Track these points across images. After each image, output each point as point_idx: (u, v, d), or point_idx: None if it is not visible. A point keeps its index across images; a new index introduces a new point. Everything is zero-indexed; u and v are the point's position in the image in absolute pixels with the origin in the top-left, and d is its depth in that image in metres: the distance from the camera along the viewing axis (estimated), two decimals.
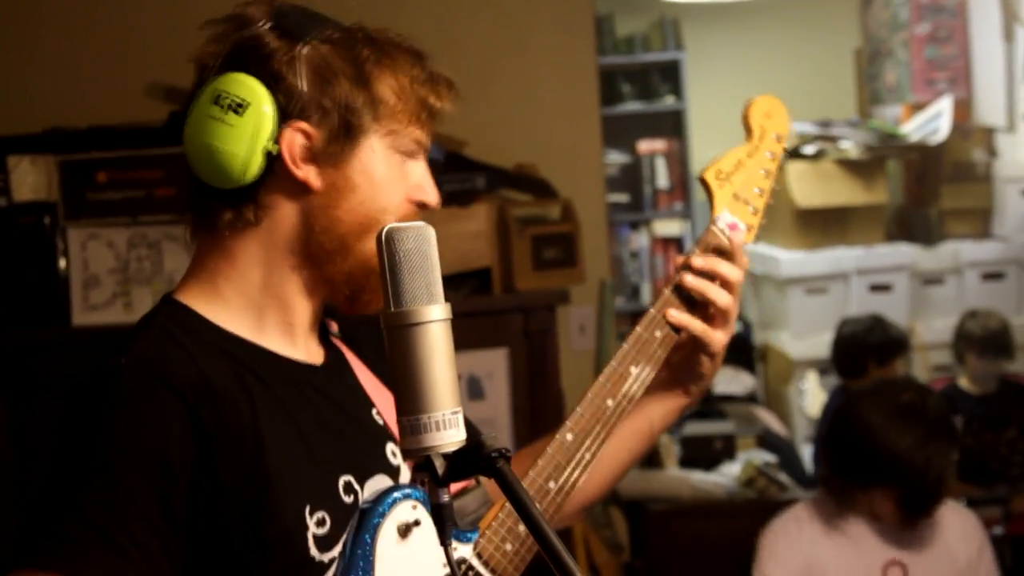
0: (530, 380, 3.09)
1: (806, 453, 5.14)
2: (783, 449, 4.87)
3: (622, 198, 6.50)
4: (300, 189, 1.34)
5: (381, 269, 1.09)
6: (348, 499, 1.33)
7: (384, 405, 1.45)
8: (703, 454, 4.36)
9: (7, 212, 2.85)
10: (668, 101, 6.58)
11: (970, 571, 2.73)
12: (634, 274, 6.50)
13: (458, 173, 3.17)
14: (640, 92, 6.61)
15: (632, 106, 6.58)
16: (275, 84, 1.32)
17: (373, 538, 1.31)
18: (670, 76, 6.58)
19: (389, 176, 1.36)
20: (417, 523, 1.33)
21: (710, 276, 1.59)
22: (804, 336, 5.72)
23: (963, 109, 6.22)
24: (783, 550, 2.73)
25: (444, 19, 3.50)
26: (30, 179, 2.85)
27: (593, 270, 3.45)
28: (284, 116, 1.32)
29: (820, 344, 5.30)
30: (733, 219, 1.66)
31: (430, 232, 1.10)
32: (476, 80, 3.33)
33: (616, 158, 6.46)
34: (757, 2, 6.26)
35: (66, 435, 1.25)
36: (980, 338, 4.88)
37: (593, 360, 3.60)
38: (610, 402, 1.56)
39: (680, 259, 1.63)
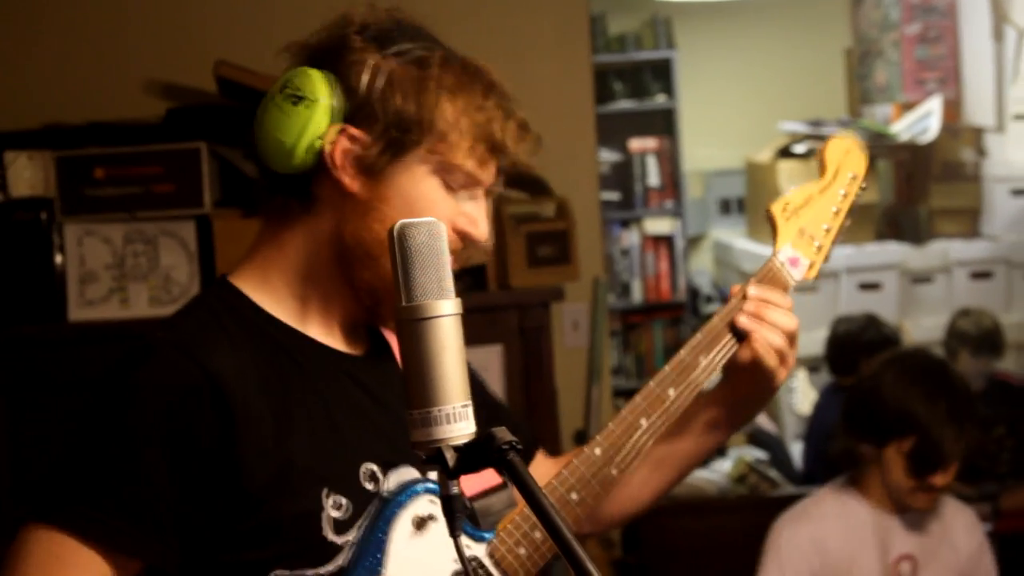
0: (525, 376, 3.10)
1: (796, 450, 5.17)
2: (773, 446, 4.91)
3: (613, 196, 6.50)
4: (342, 190, 1.37)
5: (393, 264, 1.10)
6: (369, 486, 1.36)
7: None
8: None
9: (4, 207, 2.84)
10: (659, 99, 6.59)
11: (971, 566, 2.74)
12: (625, 272, 6.51)
13: None
14: (632, 90, 6.62)
15: (624, 104, 6.59)
16: (339, 86, 1.36)
17: (388, 528, 1.34)
18: (662, 75, 6.59)
19: (428, 199, 1.38)
20: (432, 517, 1.36)
21: (763, 307, 1.57)
22: None
23: (953, 109, 6.25)
24: (801, 540, 2.71)
25: (439, 18, 3.48)
26: (27, 175, 2.85)
27: (587, 267, 3.46)
28: (339, 117, 1.36)
29: (810, 342, 5.31)
30: (795, 254, 1.63)
31: (441, 228, 1.11)
32: None
33: (607, 156, 6.47)
34: (748, 1, 6.28)
35: (100, 402, 1.31)
36: (974, 337, 4.90)
37: (586, 357, 3.61)
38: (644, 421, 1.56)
39: (737, 288, 1.60)
